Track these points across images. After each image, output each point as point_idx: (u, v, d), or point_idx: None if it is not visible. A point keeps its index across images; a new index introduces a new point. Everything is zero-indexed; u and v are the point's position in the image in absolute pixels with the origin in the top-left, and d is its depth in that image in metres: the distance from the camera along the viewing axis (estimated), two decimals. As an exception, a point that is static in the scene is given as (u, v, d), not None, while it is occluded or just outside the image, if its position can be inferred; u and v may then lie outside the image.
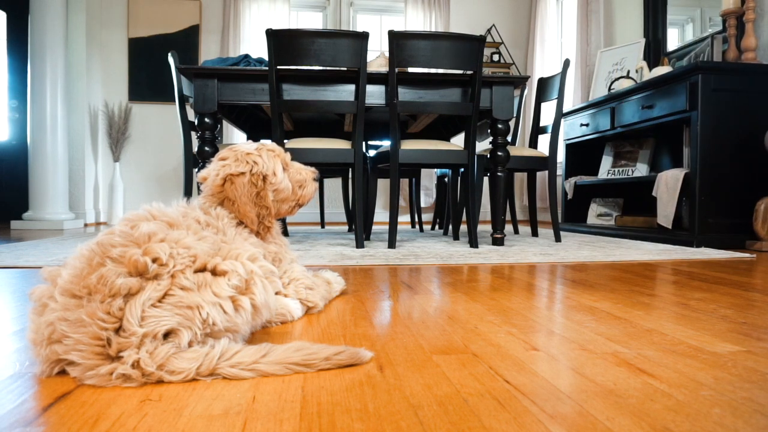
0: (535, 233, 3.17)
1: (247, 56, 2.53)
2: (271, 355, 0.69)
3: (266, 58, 2.51)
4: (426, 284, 1.42)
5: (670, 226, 2.74)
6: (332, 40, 2.21)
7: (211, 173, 1.03)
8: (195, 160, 2.41)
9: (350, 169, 3.63)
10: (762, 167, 2.52)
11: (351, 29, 4.81)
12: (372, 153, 3.15)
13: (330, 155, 2.37)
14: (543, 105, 3.19)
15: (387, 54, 2.76)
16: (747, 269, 1.75)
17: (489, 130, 2.51)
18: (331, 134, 3.59)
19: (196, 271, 0.72)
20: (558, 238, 2.79)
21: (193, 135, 3.84)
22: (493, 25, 5.25)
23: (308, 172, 1.17)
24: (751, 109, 2.51)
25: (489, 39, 5.19)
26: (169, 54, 2.65)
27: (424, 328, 0.93)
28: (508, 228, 3.90)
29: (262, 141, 1.11)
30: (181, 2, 4.74)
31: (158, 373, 0.63)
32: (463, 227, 4.12)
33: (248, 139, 3.43)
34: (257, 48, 4.77)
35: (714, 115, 2.48)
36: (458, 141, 4.78)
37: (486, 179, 4.69)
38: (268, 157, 1.07)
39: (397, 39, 2.25)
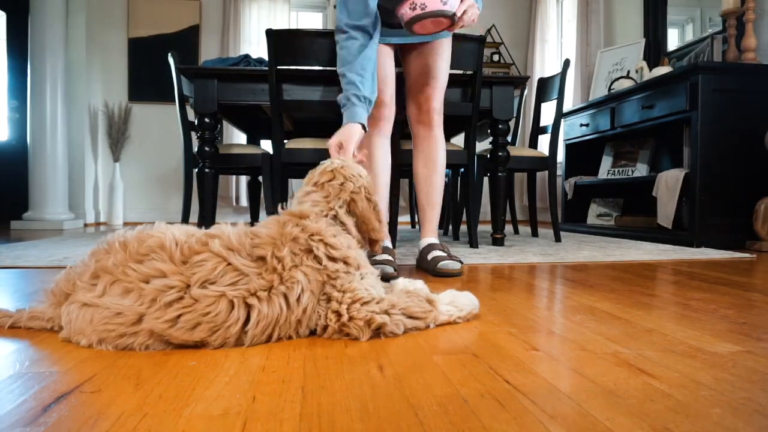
0: (535, 233, 3.17)
1: (247, 56, 2.52)
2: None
3: (266, 58, 2.51)
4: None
5: (670, 226, 2.74)
6: (332, 40, 2.21)
7: (331, 194, 0.99)
8: (195, 161, 2.41)
9: (350, 169, 3.62)
10: (762, 167, 2.52)
11: (351, 29, 4.81)
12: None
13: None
14: (543, 105, 3.20)
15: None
16: (747, 269, 1.75)
17: (489, 130, 2.51)
18: (331, 134, 3.58)
19: None
20: (558, 238, 2.79)
21: (193, 135, 3.84)
22: (493, 25, 5.25)
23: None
24: (751, 109, 2.51)
25: (489, 39, 5.19)
26: (169, 54, 2.65)
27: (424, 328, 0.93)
28: (508, 228, 3.90)
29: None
30: (181, 2, 4.74)
31: None
32: (463, 227, 4.12)
33: (248, 139, 3.43)
34: (257, 48, 4.76)
35: (714, 115, 2.48)
36: (458, 141, 4.78)
37: (486, 179, 4.69)
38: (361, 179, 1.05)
39: (397, 39, 2.25)
